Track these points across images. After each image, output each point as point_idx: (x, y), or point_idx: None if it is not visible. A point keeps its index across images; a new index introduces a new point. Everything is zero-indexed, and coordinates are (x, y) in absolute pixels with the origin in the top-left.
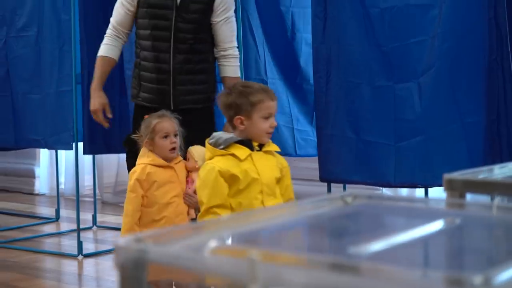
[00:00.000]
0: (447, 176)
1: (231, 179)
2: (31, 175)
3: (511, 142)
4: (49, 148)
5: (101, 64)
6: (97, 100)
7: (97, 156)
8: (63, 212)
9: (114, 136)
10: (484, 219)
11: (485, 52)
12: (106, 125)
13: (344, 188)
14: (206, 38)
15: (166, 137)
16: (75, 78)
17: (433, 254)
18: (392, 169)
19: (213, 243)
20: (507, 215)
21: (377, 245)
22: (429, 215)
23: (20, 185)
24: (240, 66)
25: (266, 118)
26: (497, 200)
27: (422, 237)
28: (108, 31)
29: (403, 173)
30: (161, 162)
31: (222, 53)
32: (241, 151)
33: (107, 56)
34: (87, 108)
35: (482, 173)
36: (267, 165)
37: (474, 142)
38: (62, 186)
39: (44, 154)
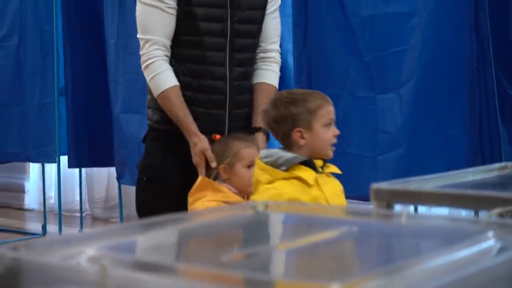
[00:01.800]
0: (374, 185)
1: None
2: (21, 190)
3: (494, 154)
4: (32, 161)
5: (179, 97)
6: (204, 141)
7: (88, 170)
8: (51, 228)
9: (99, 149)
10: (384, 228)
11: (467, 62)
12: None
13: None
14: None
15: (249, 166)
16: (58, 90)
17: (306, 261)
18: (371, 182)
19: (89, 253)
20: (411, 225)
21: (255, 253)
22: (329, 224)
23: (10, 200)
24: None
25: (328, 125)
26: (407, 209)
27: (305, 246)
28: (156, 52)
29: None
30: (237, 198)
31: (262, 54)
32: (308, 174)
33: (177, 85)
34: (72, 120)
35: (413, 183)
36: (333, 191)
37: (456, 155)
38: (51, 201)
39: (34, 168)
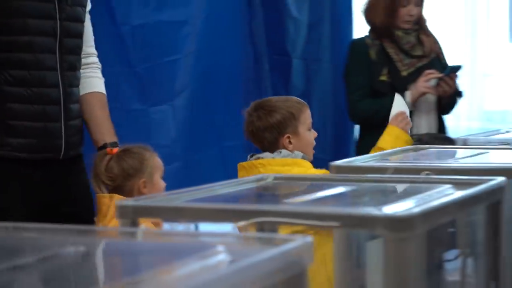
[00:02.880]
0: (118, 202)
1: None
2: None
3: None
4: None
5: None
6: None
7: None
8: None
9: None
10: (114, 246)
11: (242, 71)
12: None
13: None
14: None
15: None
16: None
17: None
18: None
19: None
20: (146, 242)
21: None
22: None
23: None
24: None
25: (310, 129)
26: (143, 226)
27: None
28: None
29: None
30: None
31: (84, 60)
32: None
33: None
34: None
35: (162, 199)
36: None
37: (233, 166)
38: None
39: None
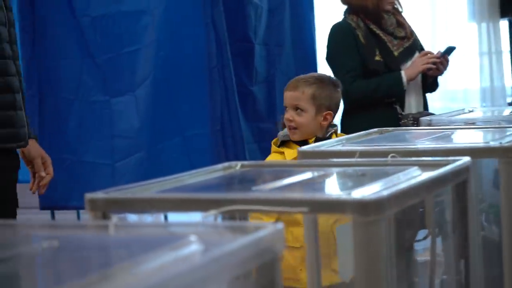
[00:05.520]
0: (88, 195)
1: None
2: None
3: (238, 152)
4: None
5: None
6: None
7: None
8: None
9: None
10: (86, 240)
11: (204, 60)
12: None
13: (78, 215)
14: None
15: None
16: None
17: None
18: None
19: None
20: (117, 235)
21: None
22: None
23: None
24: None
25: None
26: (116, 218)
27: None
28: None
29: None
30: None
31: None
32: (291, 152)
33: None
34: None
35: (131, 191)
36: None
37: (198, 156)
38: None
39: None
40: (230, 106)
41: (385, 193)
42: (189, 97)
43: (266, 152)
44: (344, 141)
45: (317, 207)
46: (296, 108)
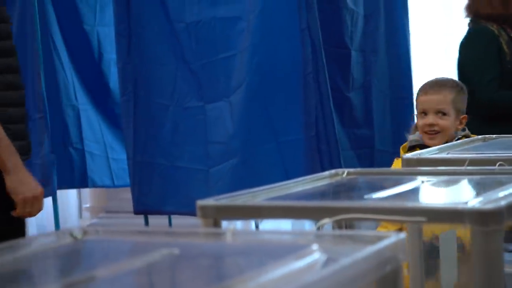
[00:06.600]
0: (200, 202)
1: None
2: None
3: (333, 158)
4: None
5: None
6: None
7: None
8: None
9: None
10: (207, 248)
11: (299, 66)
12: None
13: (170, 221)
14: None
15: None
16: None
17: None
18: (205, 196)
19: None
20: (236, 242)
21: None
22: (150, 247)
23: None
24: (49, 90)
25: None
26: (233, 225)
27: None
28: None
29: None
30: None
31: None
32: None
33: None
34: None
35: (241, 198)
36: None
37: (292, 161)
38: None
39: None
40: (325, 111)
41: (503, 202)
42: (283, 103)
43: (362, 159)
44: (445, 149)
45: (435, 216)
46: (438, 112)
